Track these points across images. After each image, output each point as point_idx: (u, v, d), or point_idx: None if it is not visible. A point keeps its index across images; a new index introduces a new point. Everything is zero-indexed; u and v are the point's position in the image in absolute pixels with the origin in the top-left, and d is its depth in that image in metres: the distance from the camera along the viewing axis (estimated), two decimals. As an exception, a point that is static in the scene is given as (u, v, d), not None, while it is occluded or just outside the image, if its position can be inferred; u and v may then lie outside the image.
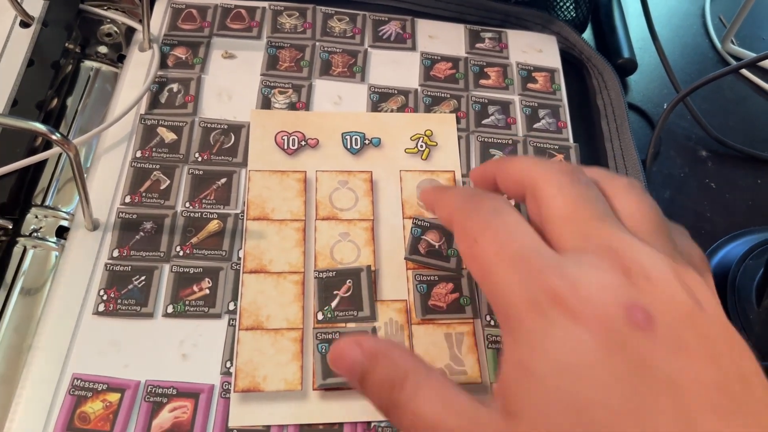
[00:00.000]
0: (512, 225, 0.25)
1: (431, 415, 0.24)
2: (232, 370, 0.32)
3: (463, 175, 0.40)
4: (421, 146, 0.41)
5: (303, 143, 0.40)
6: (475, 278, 0.26)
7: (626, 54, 0.49)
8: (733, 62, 0.55)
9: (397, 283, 0.36)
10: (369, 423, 0.32)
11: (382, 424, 0.32)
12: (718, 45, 0.56)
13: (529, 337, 0.22)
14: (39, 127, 0.30)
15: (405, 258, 0.37)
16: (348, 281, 0.36)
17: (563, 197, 0.26)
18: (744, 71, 0.54)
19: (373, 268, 0.36)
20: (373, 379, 0.25)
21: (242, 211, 0.37)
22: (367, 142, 0.41)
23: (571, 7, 0.49)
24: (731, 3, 0.60)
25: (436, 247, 0.37)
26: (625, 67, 0.50)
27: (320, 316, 0.35)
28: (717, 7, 0.59)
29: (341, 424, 0.32)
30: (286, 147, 0.40)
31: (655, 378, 0.21)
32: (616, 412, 0.21)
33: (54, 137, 0.30)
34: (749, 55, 0.54)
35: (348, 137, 0.41)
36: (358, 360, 0.26)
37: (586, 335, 0.22)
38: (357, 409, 0.32)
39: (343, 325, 0.34)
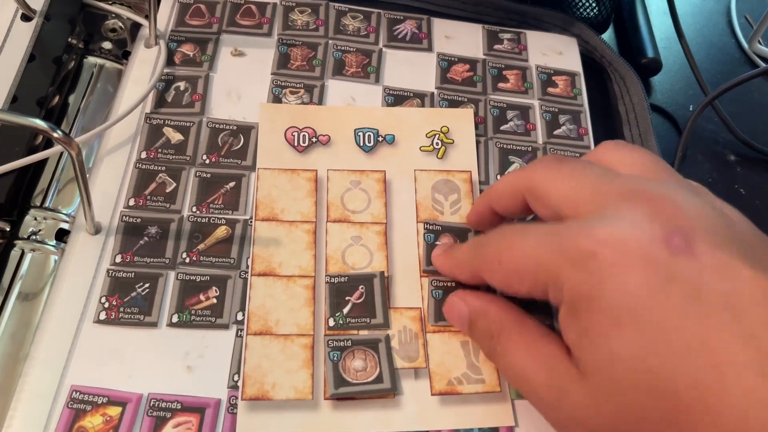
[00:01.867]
0: (522, 230, 0.27)
1: (520, 366, 0.27)
2: (239, 378, 0.31)
3: (481, 182, 0.38)
4: (437, 144, 0.39)
5: (314, 140, 0.38)
6: (517, 291, 0.27)
7: (650, 53, 0.48)
8: (761, 63, 0.53)
9: (410, 290, 0.35)
10: None
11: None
12: (745, 45, 0.54)
13: (580, 299, 0.23)
14: (40, 123, 0.28)
15: (423, 271, 0.35)
16: (360, 287, 0.34)
17: (560, 180, 0.27)
18: None
19: (386, 274, 0.35)
20: (476, 330, 0.30)
21: (251, 216, 0.35)
22: (380, 139, 0.39)
23: (593, 4, 0.48)
24: (757, 2, 0.58)
25: None
26: (649, 67, 0.48)
27: (332, 322, 0.33)
28: (743, 6, 0.57)
29: None
30: (296, 144, 0.38)
31: (711, 302, 0.21)
32: (681, 346, 0.21)
33: (55, 135, 0.28)
34: (778, 56, 0.53)
35: (361, 134, 0.39)
36: (465, 313, 0.31)
37: (634, 276, 0.22)
38: (370, 420, 0.31)
39: (356, 332, 0.33)
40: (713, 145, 0.48)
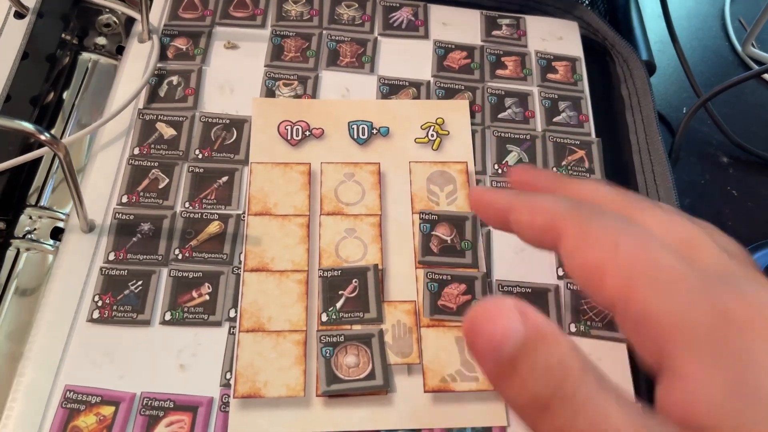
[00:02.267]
0: (650, 236, 0.21)
1: (621, 419, 0.19)
2: (231, 376, 0.31)
3: (477, 172, 0.38)
4: (432, 135, 0.39)
5: (307, 133, 0.38)
6: (607, 296, 0.20)
7: (644, 56, 0.47)
8: (754, 66, 0.53)
9: (405, 282, 0.34)
10: None
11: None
12: (739, 48, 0.54)
13: (732, 352, 0.18)
14: (27, 126, 0.28)
15: (419, 262, 0.35)
16: (354, 281, 0.34)
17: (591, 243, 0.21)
18: (766, 76, 0.52)
19: (380, 267, 0.34)
20: (537, 361, 0.19)
21: (244, 211, 0.35)
22: (374, 131, 0.38)
23: (588, 7, 0.47)
24: (751, 5, 0.58)
25: (449, 242, 0.35)
26: None
27: (324, 318, 0.33)
28: (737, 9, 0.57)
29: None
30: (289, 137, 0.38)
31: None
32: None
33: (42, 137, 0.28)
34: (771, 59, 0.52)
35: (355, 126, 0.38)
36: (517, 332, 0.19)
37: None
38: (362, 417, 0.31)
39: (349, 327, 0.33)
40: (706, 147, 0.48)
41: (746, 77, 0.45)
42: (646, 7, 0.54)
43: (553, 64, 0.43)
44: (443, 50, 0.43)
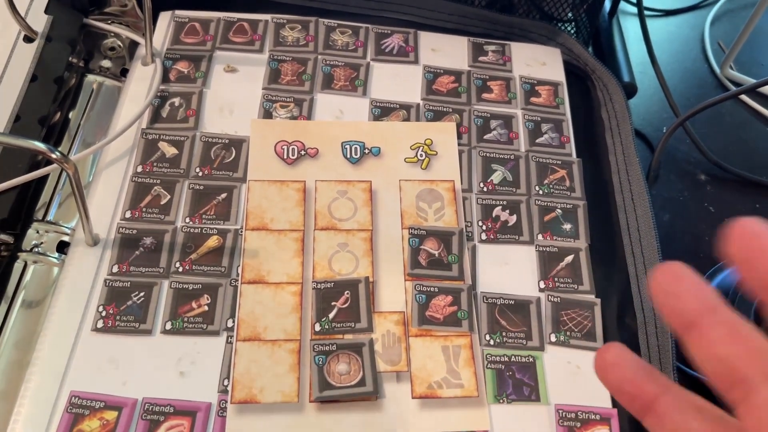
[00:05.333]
0: None
1: None
2: (229, 382, 0.32)
3: (464, 190, 0.40)
4: (421, 155, 0.41)
5: (303, 153, 0.40)
6: None
7: (626, 78, 0.49)
8: (732, 87, 0.55)
9: (394, 294, 0.36)
10: None
11: (379, 444, 0.32)
12: (717, 70, 0.56)
13: None
14: (39, 146, 0.30)
15: (408, 274, 0.36)
16: (346, 292, 0.36)
17: None
18: (743, 96, 0.54)
19: (371, 279, 0.36)
20: None
21: (242, 226, 0.37)
22: (366, 151, 0.40)
23: (573, 31, 0.49)
24: (730, 29, 0.60)
25: (436, 255, 0.37)
26: (625, 91, 0.49)
27: (318, 327, 0.34)
28: (716, 33, 0.60)
29: None
30: (285, 157, 0.40)
31: None
32: None
33: (53, 156, 0.30)
34: (748, 80, 0.54)
35: (348, 146, 0.40)
36: None
37: None
38: (354, 422, 0.32)
39: (341, 336, 0.34)
40: (685, 165, 0.50)
41: (724, 98, 0.46)
42: (629, 30, 0.56)
43: (537, 88, 0.45)
44: (432, 75, 0.45)
